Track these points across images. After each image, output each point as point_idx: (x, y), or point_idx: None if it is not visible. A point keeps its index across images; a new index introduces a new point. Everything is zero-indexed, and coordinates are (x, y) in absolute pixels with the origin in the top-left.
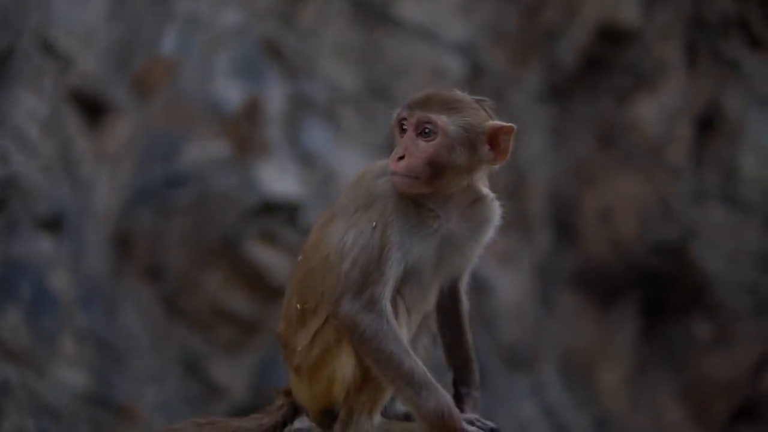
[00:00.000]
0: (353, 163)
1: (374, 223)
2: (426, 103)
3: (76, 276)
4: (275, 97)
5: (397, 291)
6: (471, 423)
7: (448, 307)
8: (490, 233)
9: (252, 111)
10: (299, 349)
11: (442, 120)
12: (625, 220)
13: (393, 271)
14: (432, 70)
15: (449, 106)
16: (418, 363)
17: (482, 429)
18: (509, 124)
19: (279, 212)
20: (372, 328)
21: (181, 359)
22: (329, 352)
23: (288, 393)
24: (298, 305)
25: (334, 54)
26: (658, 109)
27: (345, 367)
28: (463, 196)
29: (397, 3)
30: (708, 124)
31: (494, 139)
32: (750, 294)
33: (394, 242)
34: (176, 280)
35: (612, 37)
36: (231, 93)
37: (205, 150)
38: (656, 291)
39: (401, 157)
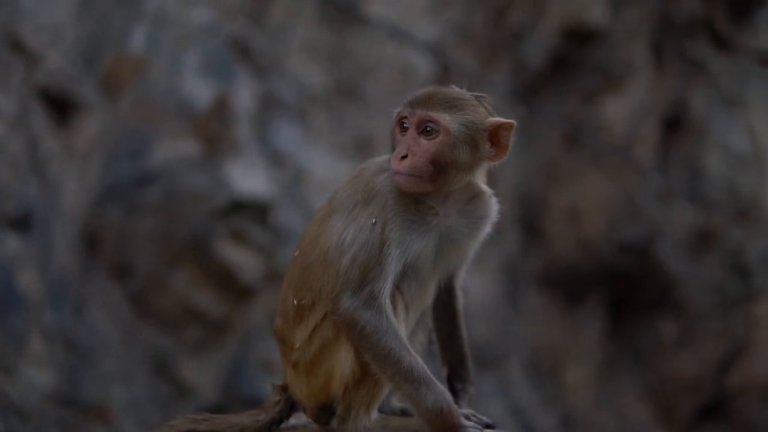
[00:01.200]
0: (322, 162)
1: (374, 220)
2: (427, 102)
3: (45, 275)
4: (244, 95)
5: (396, 287)
6: (467, 418)
7: (443, 303)
8: (486, 229)
9: (221, 109)
10: (297, 345)
11: (444, 118)
12: (591, 219)
13: (392, 268)
14: (400, 69)
15: (450, 104)
16: (417, 359)
17: (478, 424)
18: (509, 120)
19: (248, 211)
20: (371, 325)
21: (149, 359)
22: (328, 348)
23: (284, 389)
24: (295, 301)
25: (303, 53)
26: (625, 109)
27: (343, 362)
28: (461, 192)
29: (365, 2)
30: (674, 124)
31: (495, 135)
32: (715, 293)
33: (394, 239)
34: (145, 279)
35: (579, 37)
36: (200, 91)
37: (174, 148)
38: (622, 290)
39: (404, 156)
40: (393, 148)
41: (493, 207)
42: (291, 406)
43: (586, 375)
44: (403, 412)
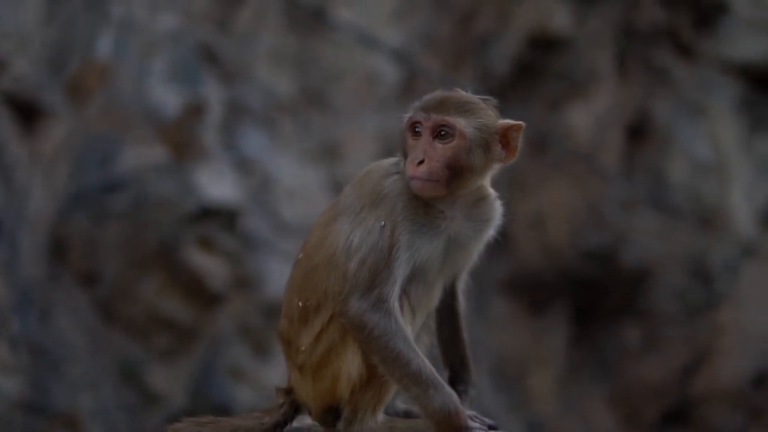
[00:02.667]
0: (290, 168)
1: (383, 223)
2: (441, 106)
3: (11, 282)
4: (212, 102)
5: (403, 290)
6: (471, 419)
7: (445, 306)
8: (491, 232)
9: (189, 116)
10: (303, 347)
11: (460, 122)
12: (556, 226)
13: (401, 271)
14: (367, 76)
15: (463, 108)
16: (425, 362)
17: (482, 425)
18: (519, 122)
19: (217, 218)
20: (380, 327)
21: (117, 366)
22: (334, 351)
23: (288, 392)
24: (300, 303)
25: (270, 59)
26: (589, 117)
27: (350, 365)
28: (468, 195)
29: (332, 9)
30: (638, 132)
31: (505, 137)
32: (679, 299)
33: (403, 242)
34: (112, 286)
35: (544, 45)
36: (167, 98)
37: (141, 155)
38: (587, 297)
39: (420, 162)
40: (404, 153)
41: (498, 210)
42: (295, 409)
43: (551, 381)
44: (407, 414)
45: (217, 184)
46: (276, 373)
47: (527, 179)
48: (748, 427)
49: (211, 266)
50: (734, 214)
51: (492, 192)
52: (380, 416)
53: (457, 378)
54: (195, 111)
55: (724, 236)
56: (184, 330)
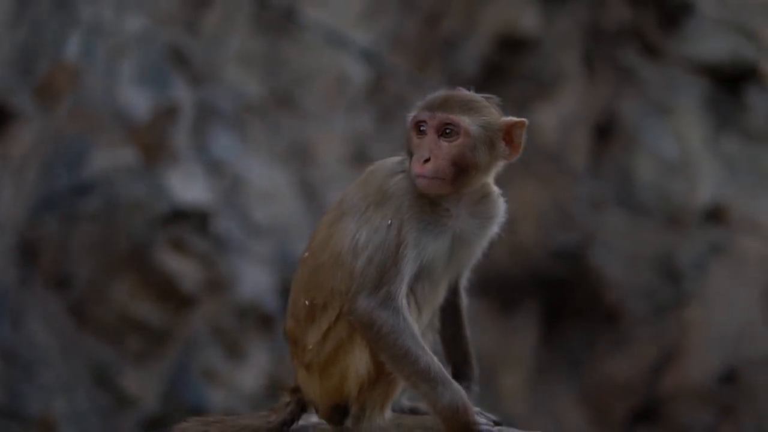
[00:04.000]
0: (260, 170)
1: (389, 221)
2: (446, 105)
3: None
4: (182, 104)
5: (410, 288)
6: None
7: (448, 303)
8: (495, 229)
9: (159, 118)
10: (310, 346)
11: (465, 120)
12: (524, 226)
13: (408, 269)
14: (336, 77)
15: (468, 106)
16: (433, 359)
17: (489, 421)
18: (522, 119)
19: (188, 220)
20: (389, 325)
21: (90, 369)
22: (342, 348)
23: (295, 390)
24: (307, 302)
25: (239, 61)
26: (557, 117)
27: (358, 362)
28: (473, 193)
29: (300, 10)
30: (605, 132)
31: (508, 134)
32: (647, 298)
33: (410, 240)
34: (84, 289)
35: (511, 46)
36: (137, 100)
37: (112, 157)
38: (556, 296)
39: (426, 160)
40: (409, 152)
41: (502, 207)
42: (302, 408)
43: (520, 381)
44: (413, 411)
45: (188, 186)
46: (250, 374)
47: (495, 179)
48: (717, 424)
49: (183, 268)
50: (701, 212)
51: (496, 189)
52: (388, 413)
53: (460, 374)
54: (165, 113)
55: (691, 234)
56: (157, 333)
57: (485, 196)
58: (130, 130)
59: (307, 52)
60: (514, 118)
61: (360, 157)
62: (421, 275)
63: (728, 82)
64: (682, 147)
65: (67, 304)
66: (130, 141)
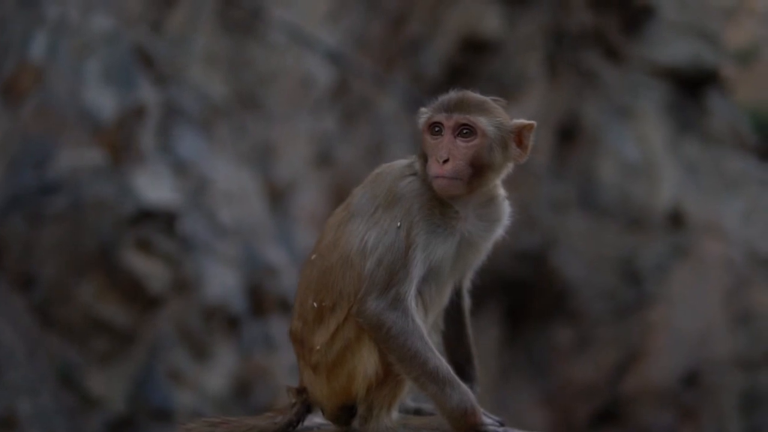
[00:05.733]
0: (225, 170)
1: (399, 223)
2: (461, 106)
3: None
4: (148, 104)
5: (417, 290)
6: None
7: (452, 304)
8: (500, 232)
9: (125, 118)
10: (317, 347)
11: (482, 121)
12: None
13: (417, 271)
14: (300, 78)
15: (482, 107)
16: (442, 360)
17: (495, 422)
18: (531, 121)
19: (155, 220)
20: (398, 326)
21: (55, 370)
22: (350, 349)
23: (300, 391)
24: (315, 303)
25: (204, 62)
26: (520, 119)
27: (366, 363)
28: (481, 195)
29: (266, 11)
30: (568, 134)
31: (518, 136)
32: (609, 299)
33: (420, 242)
34: (49, 289)
35: (475, 48)
36: (102, 100)
37: (77, 157)
38: (518, 298)
39: (446, 161)
40: (422, 154)
41: (506, 210)
42: (307, 408)
43: (483, 382)
44: (417, 412)
45: (155, 187)
46: (216, 375)
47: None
48: (678, 425)
49: (149, 269)
50: (663, 214)
51: (502, 192)
52: (395, 414)
53: (463, 375)
54: (131, 113)
55: (653, 236)
56: (123, 333)
57: (492, 198)
58: (96, 130)
59: (272, 52)
60: (525, 121)
61: (325, 158)
62: (429, 277)
63: (689, 86)
64: (643, 150)
65: (32, 305)
66: (96, 141)
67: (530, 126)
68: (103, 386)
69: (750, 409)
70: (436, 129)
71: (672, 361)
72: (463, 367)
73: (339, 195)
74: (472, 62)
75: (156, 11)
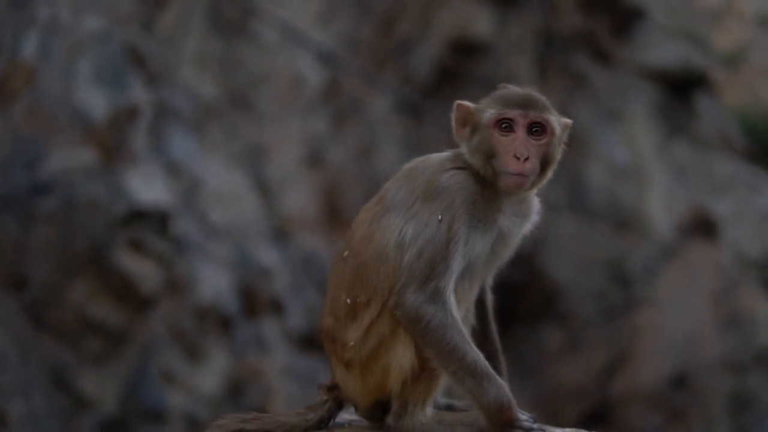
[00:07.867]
0: (217, 171)
1: (440, 216)
2: (532, 103)
3: None
4: (139, 104)
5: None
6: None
7: (477, 300)
8: (529, 227)
9: (117, 118)
10: (351, 343)
11: (552, 119)
12: None
13: (457, 265)
14: (292, 78)
15: (547, 105)
16: (479, 355)
17: (529, 418)
18: (570, 120)
19: (147, 221)
20: (437, 320)
21: (47, 371)
22: (384, 345)
23: (332, 389)
24: (348, 300)
25: (195, 62)
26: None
27: (401, 358)
28: None
29: (256, 13)
30: None
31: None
32: (598, 301)
33: (461, 236)
34: (41, 290)
35: (465, 50)
36: (94, 100)
37: (69, 157)
38: (507, 299)
39: (526, 158)
40: (491, 150)
41: (537, 206)
42: (339, 405)
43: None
44: (449, 408)
45: (147, 187)
46: (209, 376)
47: None
48: (667, 427)
49: (141, 269)
50: (652, 217)
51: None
52: (430, 410)
53: None
54: (122, 113)
55: (642, 239)
56: (115, 334)
57: (528, 193)
58: (88, 130)
59: (263, 53)
60: (568, 119)
61: (316, 158)
62: (464, 271)
63: (679, 89)
64: (633, 153)
65: (23, 306)
66: (88, 141)
67: (570, 124)
68: (96, 387)
69: (738, 412)
70: (505, 125)
71: (661, 363)
72: (490, 362)
73: (330, 195)
74: (463, 64)
75: (147, 11)
